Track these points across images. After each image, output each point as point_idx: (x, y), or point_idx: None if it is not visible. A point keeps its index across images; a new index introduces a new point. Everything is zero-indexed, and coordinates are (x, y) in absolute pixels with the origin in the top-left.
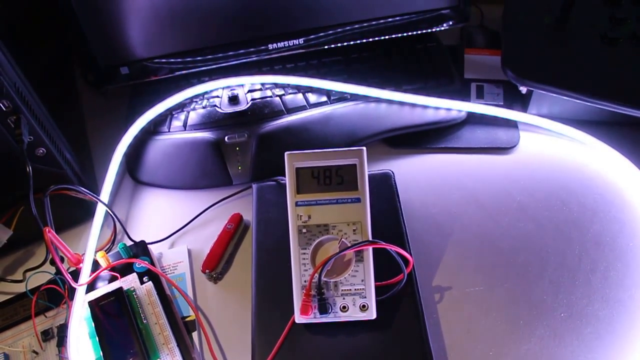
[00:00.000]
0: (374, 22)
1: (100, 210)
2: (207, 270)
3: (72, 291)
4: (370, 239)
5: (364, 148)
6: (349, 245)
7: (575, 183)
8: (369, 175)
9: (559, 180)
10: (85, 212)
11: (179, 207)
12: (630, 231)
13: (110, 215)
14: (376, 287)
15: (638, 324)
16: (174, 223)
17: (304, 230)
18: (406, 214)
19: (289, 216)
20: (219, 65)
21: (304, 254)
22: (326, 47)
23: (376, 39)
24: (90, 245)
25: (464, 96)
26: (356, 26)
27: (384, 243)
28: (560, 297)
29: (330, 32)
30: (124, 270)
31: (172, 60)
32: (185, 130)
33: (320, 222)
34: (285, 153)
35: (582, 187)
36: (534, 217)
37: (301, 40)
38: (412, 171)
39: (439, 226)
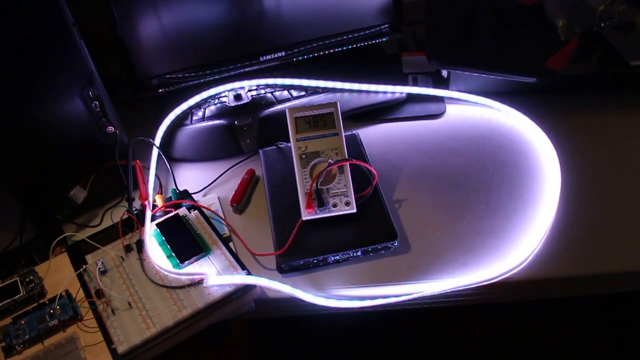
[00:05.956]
0: (334, 39)
1: (153, 170)
2: (234, 204)
3: (140, 219)
4: (347, 158)
5: (337, 101)
6: (333, 162)
7: (488, 131)
8: None
9: (476, 131)
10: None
11: (205, 172)
12: (525, 157)
13: (167, 166)
14: (355, 198)
15: (529, 208)
16: (203, 182)
17: (304, 156)
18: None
19: (292, 148)
20: (223, 75)
21: (305, 172)
22: (300, 57)
23: (337, 49)
24: (150, 186)
25: (404, 83)
26: (322, 42)
27: (356, 160)
28: (480, 198)
29: (302, 47)
30: (174, 208)
31: (186, 74)
32: (204, 120)
33: (314, 150)
34: (287, 108)
35: (493, 133)
36: (460, 154)
37: (282, 53)
38: (371, 135)
39: (393, 165)
